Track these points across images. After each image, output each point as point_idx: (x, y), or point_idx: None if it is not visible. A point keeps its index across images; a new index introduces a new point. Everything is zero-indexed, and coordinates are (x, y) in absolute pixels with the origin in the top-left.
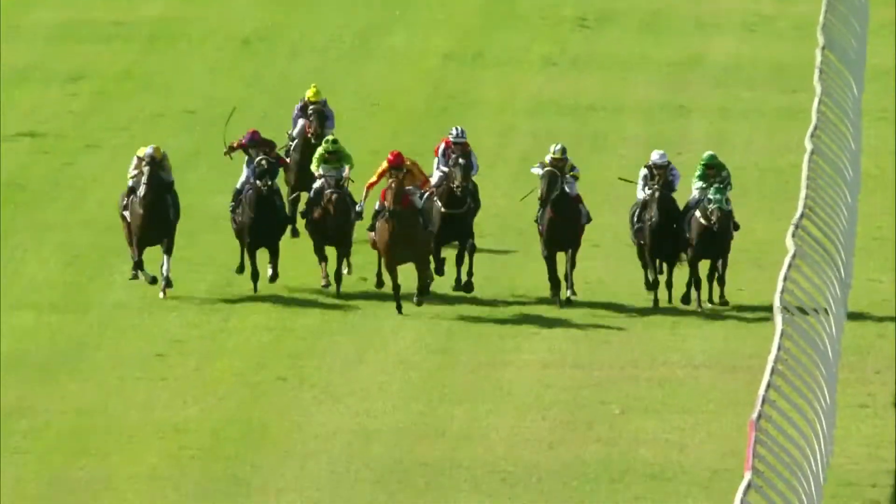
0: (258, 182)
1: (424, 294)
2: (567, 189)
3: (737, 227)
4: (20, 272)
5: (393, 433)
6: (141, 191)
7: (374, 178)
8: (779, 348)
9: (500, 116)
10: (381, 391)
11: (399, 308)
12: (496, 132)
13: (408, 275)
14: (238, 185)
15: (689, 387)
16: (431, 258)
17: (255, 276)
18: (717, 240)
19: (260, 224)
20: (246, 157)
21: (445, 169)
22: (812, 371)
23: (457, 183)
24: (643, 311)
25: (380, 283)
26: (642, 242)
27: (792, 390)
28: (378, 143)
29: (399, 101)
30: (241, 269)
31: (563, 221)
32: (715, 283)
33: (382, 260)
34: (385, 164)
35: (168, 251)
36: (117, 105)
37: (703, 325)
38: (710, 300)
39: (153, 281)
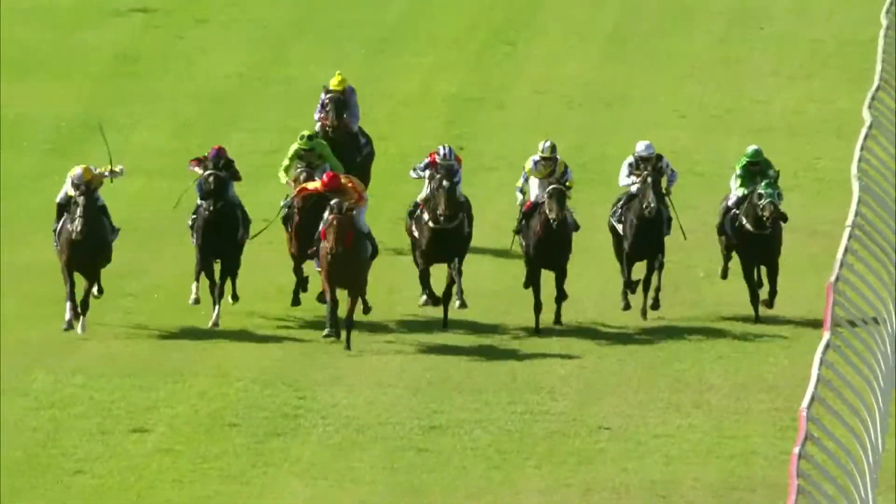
0: (202, 203)
1: (351, 327)
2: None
3: (785, 219)
4: (132, 140)
5: (486, 297)
6: (77, 224)
7: (305, 186)
8: (856, 214)
9: None
10: (477, 257)
11: (333, 333)
12: (587, 3)
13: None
14: (198, 202)
15: None
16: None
17: (213, 288)
18: (767, 244)
19: (210, 245)
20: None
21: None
22: (887, 235)
23: (440, 210)
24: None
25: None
26: (623, 236)
27: (868, 254)
28: (456, 30)
29: None
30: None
31: (552, 242)
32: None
33: (325, 288)
34: (319, 185)
35: (93, 283)
36: None
37: (784, 192)
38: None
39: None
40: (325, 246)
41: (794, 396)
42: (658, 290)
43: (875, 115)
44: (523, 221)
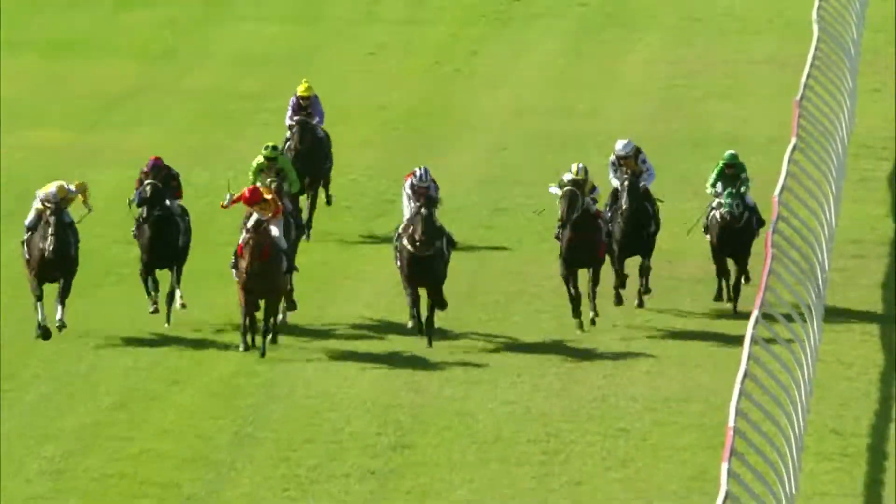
0: (137, 209)
1: (275, 337)
2: (587, 207)
3: (761, 224)
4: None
5: (541, 112)
6: (48, 243)
7: (225, 204)
8: (816, 49)
9: None
10: (534, 82)
11: (247, 347)
12: None
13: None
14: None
15: (754, 76)
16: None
17: (150, 291)
18: (738, 237)
19: (152, 251)
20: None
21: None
22: (839, 65)
23: (418, 236)
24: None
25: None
26: (612, 236)
27: (826, 79)
28: None
29: None
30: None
31: (583, 240)
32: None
33: (240, 299)
34: (240, 198)
35: (65, 293)
36: None
37: (762, 31)
38: (731, 298)
39: (45, 332)
40: (242, 264)
41: (768, 186)
42: (647, 279)
43: None
44: (560, 228)
